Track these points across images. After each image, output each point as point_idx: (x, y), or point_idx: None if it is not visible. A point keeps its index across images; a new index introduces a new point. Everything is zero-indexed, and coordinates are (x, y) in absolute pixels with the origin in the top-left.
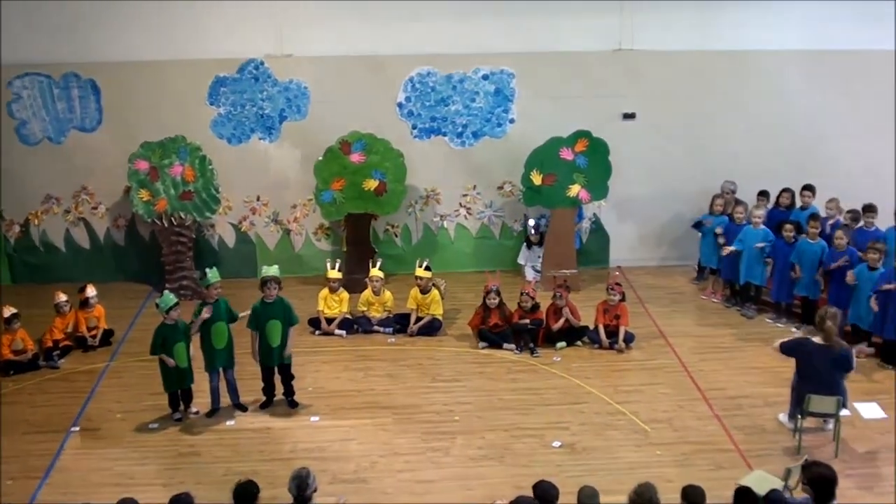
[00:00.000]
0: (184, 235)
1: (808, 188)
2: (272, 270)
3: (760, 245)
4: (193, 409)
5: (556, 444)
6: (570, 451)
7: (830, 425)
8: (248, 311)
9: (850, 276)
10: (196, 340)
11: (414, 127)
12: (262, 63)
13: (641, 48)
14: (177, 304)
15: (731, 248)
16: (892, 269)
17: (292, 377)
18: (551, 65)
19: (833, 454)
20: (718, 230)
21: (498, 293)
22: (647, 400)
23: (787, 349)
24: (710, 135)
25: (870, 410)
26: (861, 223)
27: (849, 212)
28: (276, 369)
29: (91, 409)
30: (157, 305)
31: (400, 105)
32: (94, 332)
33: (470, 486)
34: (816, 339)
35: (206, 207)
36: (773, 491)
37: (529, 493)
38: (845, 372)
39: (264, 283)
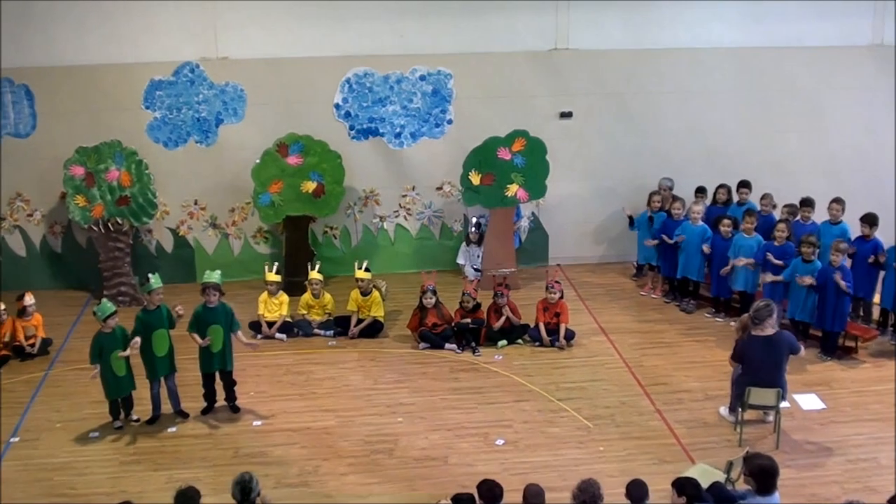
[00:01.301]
0: (121, 241)
1: (745, 184)
2: (214, 276)
3: (707, 250)
4: (134, 417)
5: (500, 442)
6: (513, 449)
7: (771, 417)
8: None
9: (806, 279)
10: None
11: (351, 128)
12: (197, 66)
13: (577, 48)
14: (114, 312)
15: (656, 241)
16: (828, 263)
17: (234, 383)
18: (488, 65)
19: (774, 446)
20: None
21: (434, 293)
22: (588, 396)
23: (737, 357)
24: (647, 132)
25: (809, 402)
26: (798, 217)
27: (786, 206)
28: (217, 375)
29: (30, 419)
30: (95, 314)
31: (337, 106)
32: (31, 341)
33: (414, 487)
34: (756, 332)
35: (143, 212)
36: (715, 483)
37: (474, 492)
38: (790, 352)
39: (204, 289)
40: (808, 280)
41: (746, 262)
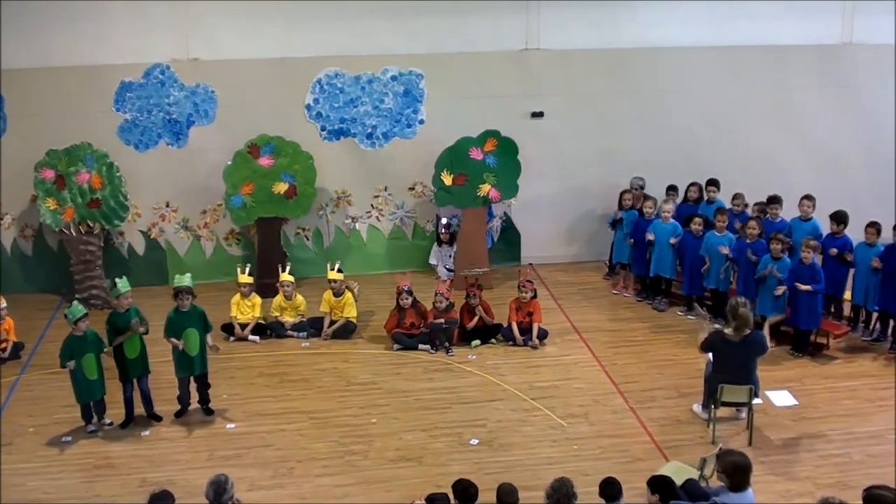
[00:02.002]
0: (92, 244)
1: (713, 183)
2: (185, 280)
3: (674, 241)
4: (107, 421)
5: (474, 441)
6: (487, 448)
7: (743, 414)
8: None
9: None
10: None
11: (323, 129)
12: (168, 67)
13: (548, 47)
14: (85, 314)
15: (633, 240)
16: (799, 260)
17: (208, 385)
18: (459, 65)
19: (747, 442)
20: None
21: (410, 293)
22: (562, 395)
23: (706, 346)
24: (618, 131)
25: (781, 398)
26: (767, 214)
27: (756, 204)
28: (192, 378)
29: (2, 424)
30: (66, 316)
31: (308, 107)
32: (3, 345)
33: (390, 488)
34: (728, 330)
35: (115, 215)
36: (688, 481)
37: (449, 492)
38: (760, 354)
39: (176, 293)
40: (781, 290)
41: (726, 250)
